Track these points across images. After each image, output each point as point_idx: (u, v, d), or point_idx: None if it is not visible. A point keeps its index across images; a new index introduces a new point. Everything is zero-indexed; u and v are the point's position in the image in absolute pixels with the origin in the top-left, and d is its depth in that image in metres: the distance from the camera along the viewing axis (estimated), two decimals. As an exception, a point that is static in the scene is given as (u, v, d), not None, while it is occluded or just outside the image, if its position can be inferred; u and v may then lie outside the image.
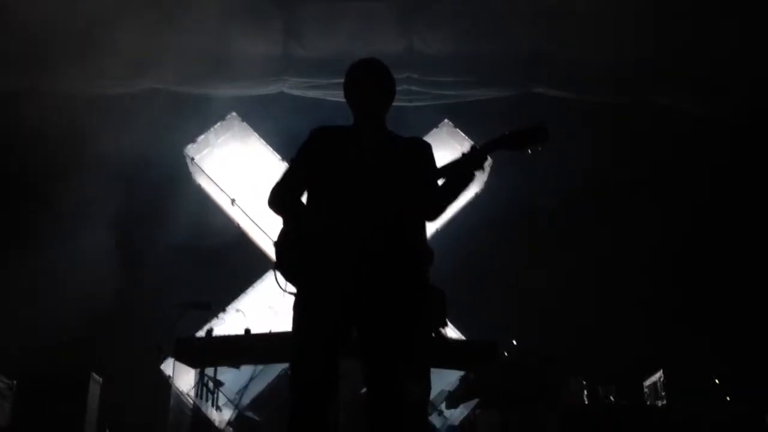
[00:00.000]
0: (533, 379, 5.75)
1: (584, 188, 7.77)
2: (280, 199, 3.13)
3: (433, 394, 6.78)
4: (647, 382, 5.93)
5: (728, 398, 5.39)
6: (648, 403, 5.84)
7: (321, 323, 2.89)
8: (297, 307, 2.98)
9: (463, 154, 2.98)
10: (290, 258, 3.02)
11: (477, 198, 8.13)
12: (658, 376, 5.70)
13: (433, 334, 5.42)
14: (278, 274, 3.02)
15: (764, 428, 5.01)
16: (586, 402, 5.68)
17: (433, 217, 3.11)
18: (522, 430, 5.55)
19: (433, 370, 5.76)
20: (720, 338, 6.77)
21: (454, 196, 3.04)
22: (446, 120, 8.24)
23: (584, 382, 5.78)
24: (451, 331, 7.45)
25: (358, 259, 2.89)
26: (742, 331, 6.74)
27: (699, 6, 7.27)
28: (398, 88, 3.25)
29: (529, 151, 2.93)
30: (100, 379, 6.09)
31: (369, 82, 3.14)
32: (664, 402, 5.50)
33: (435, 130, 8.19)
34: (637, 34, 7.35)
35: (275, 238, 3.12)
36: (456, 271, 7.48)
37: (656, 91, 7.94)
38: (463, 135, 8.03)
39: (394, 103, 3.24)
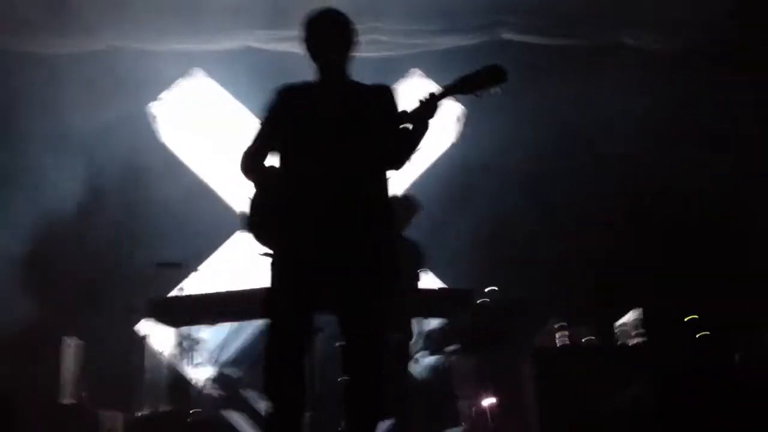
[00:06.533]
0: (507, 323, 5.83)
1: (556, 134, 7.75)
2: (247, 163, 3.15)
3: (412, 341, 6.87)
4: (619, 322, 6.04)
5: (697, 337, 5.51)
6: (619, 342, 5.95)
7: (295, 280, 2.92)
8: (272, 267, 3.00)
9: (419, 101, 2.96)
10: (261, 220, 3.04)
11: (452, 148, 8.09)
12: (630, 315, 5.80)
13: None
14: (251, 237, 3.07)
15: (734, 365, 5.14)
16: (559, 344, 5.78)
17: (398, 167, 3.10)
18: (496, 373, 5.64)
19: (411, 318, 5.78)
20: (695, 278, 6.89)
21: (413, 146, 3.03)
22: (416, 69, 8.14)
23: (556, 325, 5.87)
24: (432, 279, 7.51)
25: (328, 214, 2.89)
26: (716, 271, 6.87)
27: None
28: (365, 39, 3.22)
29: (491, 92, 2.91)
30: (74, 341, 6.05)
31: (328, 33, 3.10)
32: (636, 341, 5.61)
33: (404, 79, 8.09)
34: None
35: (248, 199, 3.13)
36: (436, 219, 7.51)
37: (625, 33, 7.90)
38: (435, 84, 7.94)
39: (361, 54, 3.22)
